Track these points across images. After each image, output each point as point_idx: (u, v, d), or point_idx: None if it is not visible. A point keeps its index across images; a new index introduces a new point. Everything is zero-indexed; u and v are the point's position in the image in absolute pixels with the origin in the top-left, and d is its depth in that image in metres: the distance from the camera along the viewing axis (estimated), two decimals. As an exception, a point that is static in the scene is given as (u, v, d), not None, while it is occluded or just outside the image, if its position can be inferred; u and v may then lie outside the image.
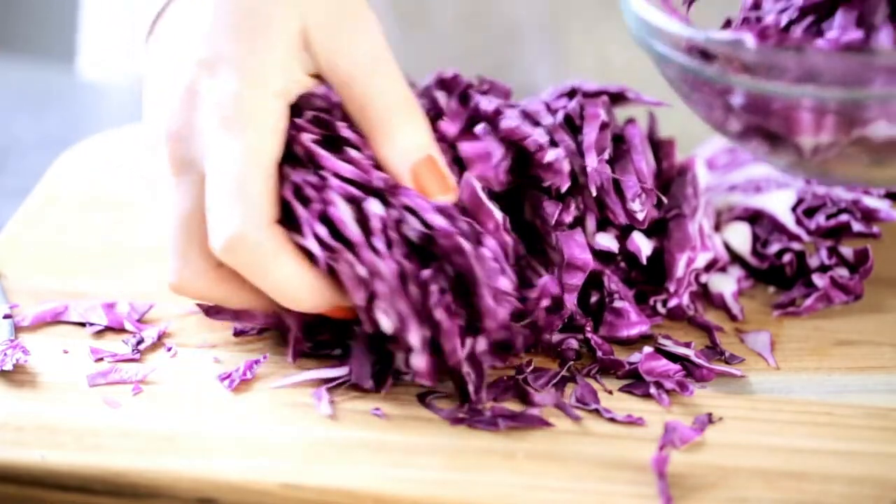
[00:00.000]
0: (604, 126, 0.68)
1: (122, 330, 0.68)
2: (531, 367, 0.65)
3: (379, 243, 0.60)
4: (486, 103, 0.68)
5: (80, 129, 0.98)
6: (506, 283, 0.62)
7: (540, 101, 0.70)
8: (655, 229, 0.70)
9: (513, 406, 0.63)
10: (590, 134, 0.67)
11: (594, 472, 0.59)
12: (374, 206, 0.61)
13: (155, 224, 0.76)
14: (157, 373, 0.65)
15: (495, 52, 0.88)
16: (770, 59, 0.58)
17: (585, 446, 0.61)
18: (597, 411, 0.63)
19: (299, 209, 0.61)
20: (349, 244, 0.61)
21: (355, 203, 0.61)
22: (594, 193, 0.67)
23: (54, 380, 0.65)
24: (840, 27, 0.59)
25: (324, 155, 0.62)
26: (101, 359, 0.66)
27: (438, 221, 0.61)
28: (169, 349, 0.67)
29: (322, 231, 0.61)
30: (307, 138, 0.62)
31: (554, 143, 0.67)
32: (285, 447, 0.60)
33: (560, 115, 0.69)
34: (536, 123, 0.68)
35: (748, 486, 0.59)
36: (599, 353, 0.66)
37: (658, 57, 0.63)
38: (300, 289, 0.61)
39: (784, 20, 0.62)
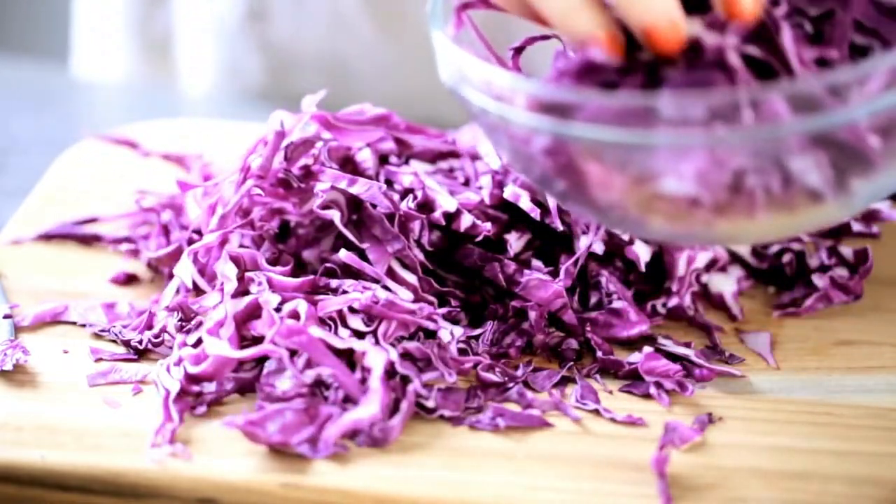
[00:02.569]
0: None
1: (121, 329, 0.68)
2: (531, 367, 0.65)
3: None
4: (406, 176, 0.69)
5: (79, 129, 0.98)
6: None
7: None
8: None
9: (513, 406, 0.63)
10: None
11: (594, 472, 0.59)
12: None
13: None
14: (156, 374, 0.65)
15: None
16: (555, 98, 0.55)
17: (585, 446, 0.61)
18: (597, 411, 0.63)
19: None
20: None
21: None
22: (560, 228, 0.67)
23: (54, 380, 0.65)
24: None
25: None
26: (101, 359, 0.66)
27: None
28: (169, 348, 0.67)
29: None
30: None
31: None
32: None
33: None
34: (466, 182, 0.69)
35: (748, 486, 0.59)
36: (599, 353, 0.66)
37: (459, 97, 0.60)
38: None
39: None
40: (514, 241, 0.68)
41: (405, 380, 0.62)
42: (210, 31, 1.02)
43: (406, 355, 0.63)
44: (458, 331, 0.65)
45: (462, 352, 0.65)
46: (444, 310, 0.66)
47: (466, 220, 0.67)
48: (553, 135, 0.55)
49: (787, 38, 0.55)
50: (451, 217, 0.67)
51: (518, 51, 0.64)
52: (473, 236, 0.67)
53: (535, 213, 0.67)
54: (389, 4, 0.95)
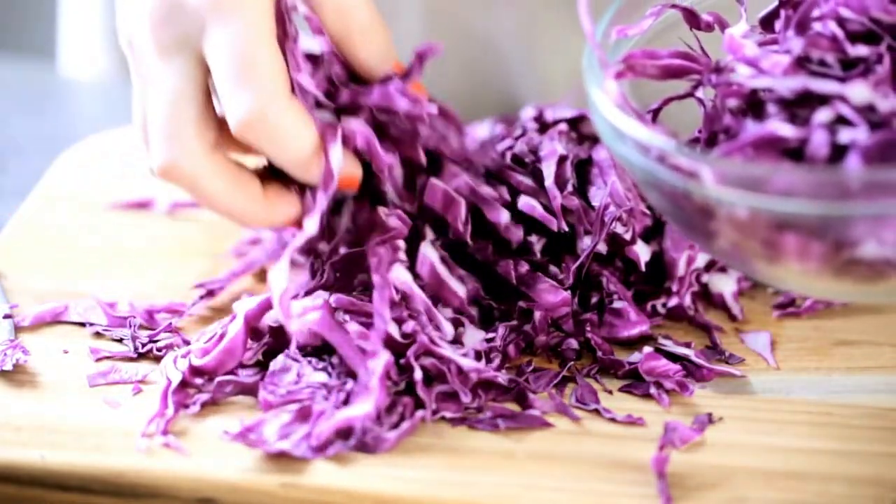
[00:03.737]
0: (561, 160, 0.68)
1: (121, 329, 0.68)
2: (531, 368, 0.65)
3: None
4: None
5: (78, 129, 0.98)
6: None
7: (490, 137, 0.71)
8: (652, 232, 0.70)
9: (513, 406, 0.63)
10: (548, 172, 0.67)
11: (594, 472, 0.59)
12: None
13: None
14: (157, 373, 0.65)
15: (464, 56, 0.88)
16: (740, 174, 0.54)
17: (585, 446, 0.61)
18: (597, 411, 0.63)
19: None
20: None
21: None
22: (565, 230, 0.67)
23: (54, 380, 0.65)
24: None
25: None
26: (101, 358, 0.66)
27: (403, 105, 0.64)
28: (169, 348, 0.67)
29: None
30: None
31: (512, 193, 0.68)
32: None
33: (508, 157, 0.69)
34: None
35: (748, 486, 0.59)
36: (599, 353, 0.66)
37: (634, 169, 0.58)
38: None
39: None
40: (537, 243, 0.68)
41: (418, 403, 0.62)
42: None
43: (423, 370, 0.63)
44: (484, 366, 0.64)
45: (476, 355, 0.65)
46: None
47: (504, 219, 0.67)
48: (748, 208, 0.54)
49: None
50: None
51: (656, 112, 0.64)
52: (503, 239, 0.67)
53: (552, 224, 0.67)
54: (382, 5, 0.96)
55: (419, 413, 0.62)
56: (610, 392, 0.65)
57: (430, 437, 0.61)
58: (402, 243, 0.66)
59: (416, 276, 0.66)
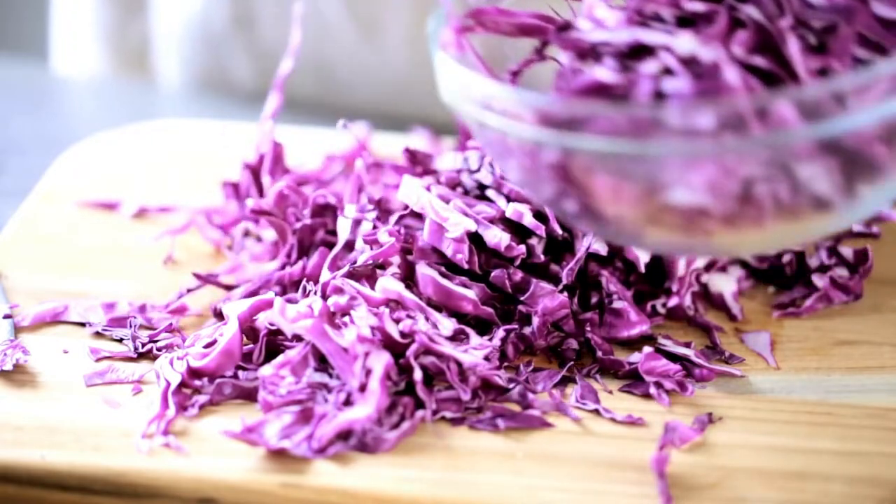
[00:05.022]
0: None
1: (121, 329, 0.68)
2: (531, 368, 0.65)
3: None
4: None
5: (78, 128, 0.98)
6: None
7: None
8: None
9: (513, 406, 0.63)
10: None
11: (594, 472, 0.59)
12: None
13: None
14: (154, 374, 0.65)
15: None
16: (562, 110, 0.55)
17: (585, 446, 0.61)
18: (597, 411, 0.63)
19: None
20: None
21: None
22: (560, 236, 0.67)
23: (54, 380, 0.65)
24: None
25: None
26: (101, 359, 0.66)
27: None
28: (169, 348, 0.67)
29: None
30: None
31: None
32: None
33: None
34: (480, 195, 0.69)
35: (748, 486, 0.59)
36: (599, 353, 0.66)
37: (474, 125, 0.60)
38: None
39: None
40: (537, 245, 0.68)
41: (418, 403, 0.62)
42: (196, 37, 1.03)
43: (423, 370, 0.63)
44: (484, 361, 0.64)
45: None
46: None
47: (503, 242, 0.67)
48: (561, 148, 0.55)
49: (792, 48, 0.55)
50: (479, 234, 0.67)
51: (516, 73, 0.65)
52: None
53: (541, 230, 0.67)
54: (371, 12, 0.97)
55: (419, 413, 0.62)
56: (610, 392, 0.65)
57: (430, 437, 0.61)
58: (396, 258, 0.66)
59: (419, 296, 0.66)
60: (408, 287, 0.66)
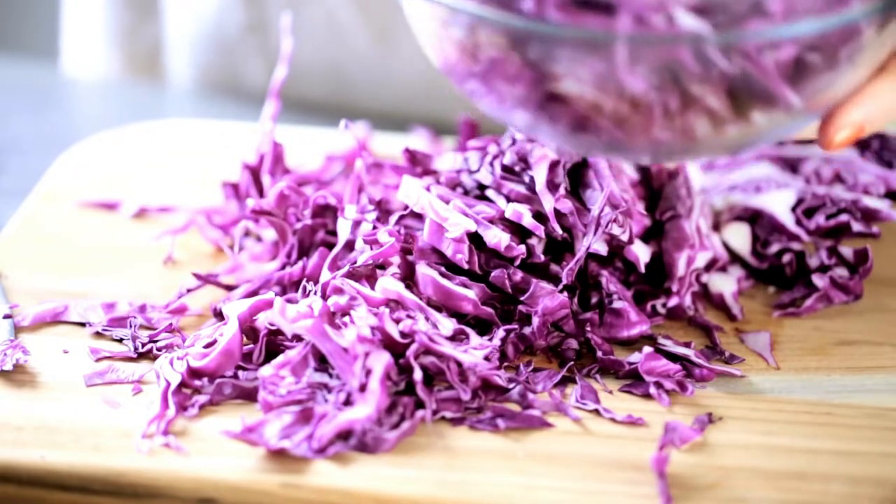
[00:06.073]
0: (553, 164, 0.68)
1: (121, 329, 0.68)
2: (531, 368, 0.65)
3: None
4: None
5: (79, 129, 0.98)
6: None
7: (479, 153, 0.70)
8: (652, 233, 0.70)
9: (513, 406, 0.63)
10: (539, 176, 0.67)
11: (594, 472, 0.59)
12: None
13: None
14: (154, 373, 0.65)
15: None
16: None
17: (585, 446, 0.61)
18: (597, 411, 0.63)
19: None
20: None
21: None
22: (560, 236, 0.67)
23: (54, 380, 0.65)
24: None
25: None
26: (101, 359, 0.66)
27: None
28: (169, 348, 0.67)
29: None
30: None
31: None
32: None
33: (498, 166, 0.69)
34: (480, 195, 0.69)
35: (748, 486, 0.59)
36: (599, 353, 0.66)
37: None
38: None
39: None
40: (538, 245, 0.68)
41: (418, 403, 0.62)
42: (209, 40, 1.04)
43: (423, 370, 0.63)
44: (484, 361, 0.64)
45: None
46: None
47: (503, 242, 0.67)
48: (470, 16, 0.56)
49: None
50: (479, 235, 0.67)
51: None
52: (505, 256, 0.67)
53: (540, 230, 0.67)
54: (383, 15, 0.97)
55: (419, 413, 0.62)
56: (610, 392, 0.65)
57: (430, 437, 0.61)
58: (396, 258, 0.66)
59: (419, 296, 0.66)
60: (408, 287, 0.66)
